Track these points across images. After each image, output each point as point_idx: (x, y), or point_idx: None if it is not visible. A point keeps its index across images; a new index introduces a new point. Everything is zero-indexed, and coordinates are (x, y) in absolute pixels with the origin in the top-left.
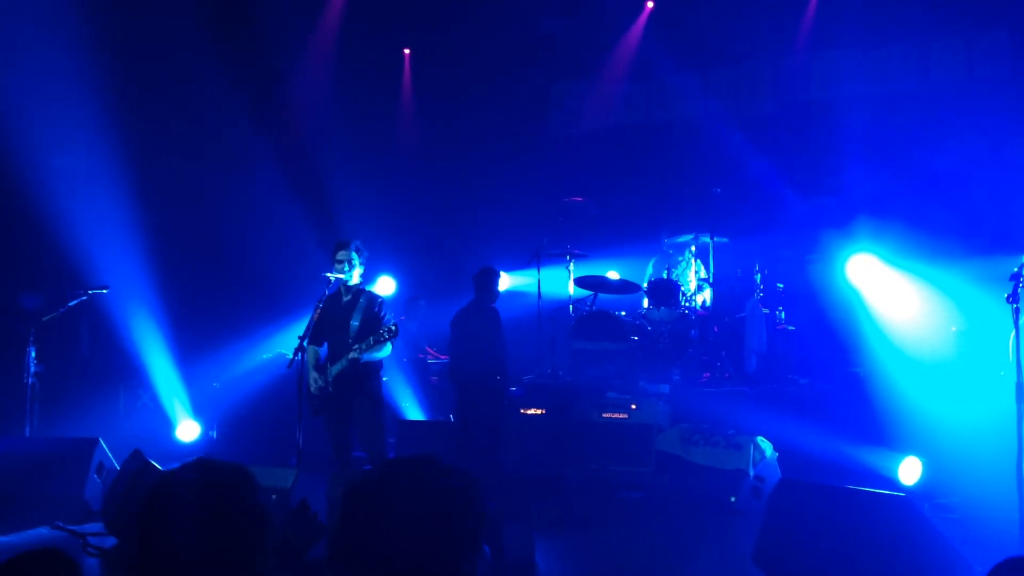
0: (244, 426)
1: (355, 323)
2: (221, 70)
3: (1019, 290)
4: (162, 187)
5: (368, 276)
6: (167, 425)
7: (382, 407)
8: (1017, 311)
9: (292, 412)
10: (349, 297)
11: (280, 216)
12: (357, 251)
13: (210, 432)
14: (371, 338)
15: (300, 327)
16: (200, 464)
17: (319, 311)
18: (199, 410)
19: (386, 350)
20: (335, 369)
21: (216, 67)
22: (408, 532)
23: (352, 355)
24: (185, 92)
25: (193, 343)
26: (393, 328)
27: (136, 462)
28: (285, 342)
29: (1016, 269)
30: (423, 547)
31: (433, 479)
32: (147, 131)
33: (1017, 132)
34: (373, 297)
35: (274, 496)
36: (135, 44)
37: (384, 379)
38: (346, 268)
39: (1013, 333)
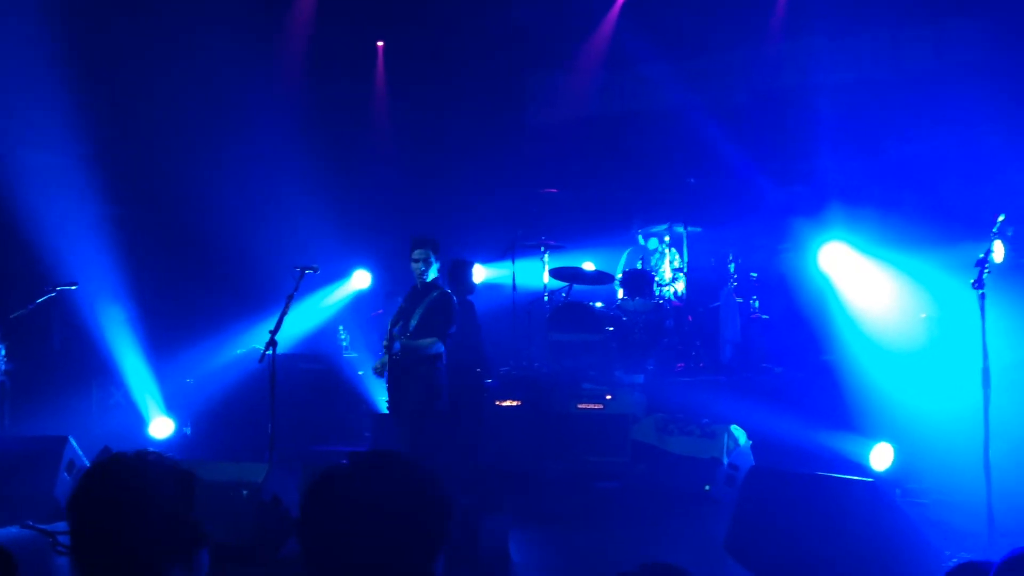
0: (218, 422)
1: (414, 320)
2: (190, 64)
3: (984, 276)
4: (131, 181)
5: (343, 270)
6: (140, 422)
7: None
8: (983, 297)
9: (265, 407)
10: (419, 291)
11: (252, 210)
12: (430, 247)
13: (184, 428)
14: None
15: (272, 322)
16: (116, 456)
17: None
18: (172, 406)
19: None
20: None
21: (185, 61)
22: (370, 527)
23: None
24: (154, 86)
25: (165, 339)
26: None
27: None
28: (258, 337)
29: (981, 255)
30: (385, 542)
31: (396, 474)
32: (115, 125)
33: (987, 118)
34: (438, 297)
35: (245, 492)
36: (103, 38)
37: (360, 373)
38: (421, 267)
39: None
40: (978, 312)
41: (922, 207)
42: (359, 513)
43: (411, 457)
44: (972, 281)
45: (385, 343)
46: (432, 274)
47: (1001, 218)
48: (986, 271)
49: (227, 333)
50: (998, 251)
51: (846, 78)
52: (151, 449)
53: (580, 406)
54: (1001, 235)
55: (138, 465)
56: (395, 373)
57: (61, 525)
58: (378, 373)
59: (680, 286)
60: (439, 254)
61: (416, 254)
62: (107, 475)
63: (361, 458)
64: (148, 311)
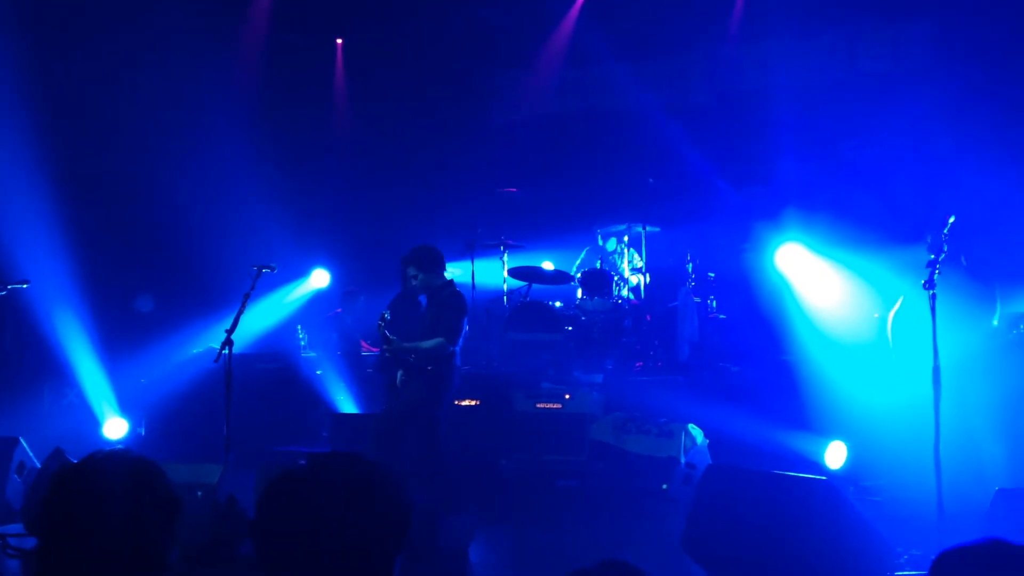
0: (173, 422)
1: (425, 320)
2: (146, 60)
3: (935, 277)
4: (85, 179)
5: (302, 269)
6: (94, 422)
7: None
8: (933, 297)
9: (221, 407)
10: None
11: (209, 209)
12: (415, 264)
13: (138, 429)
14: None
15: (229, 321)
16: (109, 455)
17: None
18: (126, 407)
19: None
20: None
21: (141, 57)
22: (326, 529)
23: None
24: (107, 81)
25: (119, 338)
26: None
27: (57, 461)
28: (214, 336)
29: (932, 256)
30: (341, 545)
31: (355, 476)
32: (68, 121)
33: (939, 121)
34: (446, 296)
35: (200, 493)
36: (52, 30)
37: (318, 372)
38: (413, 283)
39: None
40: (929, 311)
41: (875, 208)
42: (315, 515)
43: (371, 459)
44: (923, 282)
45: (386, 350)
46: (432, 282)
47: (952, 219)
48: (937, 272)
49: (183, 332)
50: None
51: (803, 80)
52: (149, 458)
53: (539, 405)
54: (950, 257)
55: (131, 475)
56: (404, 375)
57: (12, 527)
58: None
59: (639, 286)
60: (430, 261)
61: (408, 271)
62: (97, 477)
63: (319, 459)
64: (102, 310)
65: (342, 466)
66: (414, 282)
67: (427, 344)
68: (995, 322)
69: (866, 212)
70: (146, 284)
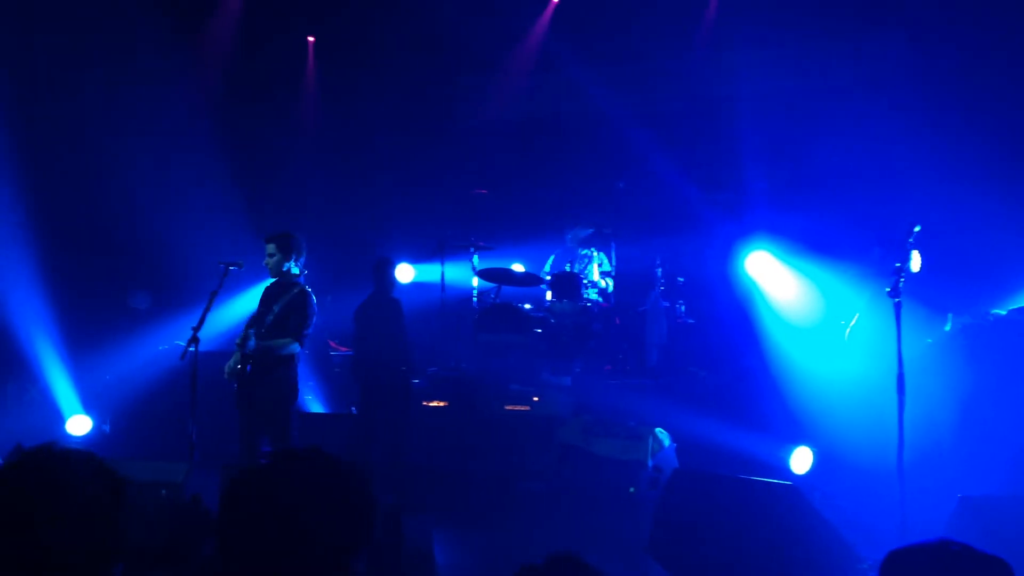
0: (138, 419)
1: (269, 316)
2: (110, 55)
3: (899, 285)
4: (47, 169)
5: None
6: (57, 420)
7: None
8: (898, 305)
9: (187, 405)
10: (275, 288)
11: (176, 204)
12: (276, 243)
13: (102, 426)
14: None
15: (195, 317)
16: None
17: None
18: (90, 403)
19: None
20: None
21: (104, 51)
22: (289, 525)
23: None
24: (69, 71)
25: (84, 334)
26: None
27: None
28: (180, 333)
29: (898, 264)
30: (305, 541)
31: (317, 472)
32: (29, 111)
33: (901, 131)
34: (296, 295)
35: (164, 491)
36: (9, 26)
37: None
38: (269, 262)
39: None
40: (879, 321)
41: (841, 217)
42: (278, 511)
43: (334, 455)
44: (888, 289)
45: (238, 341)
46: (289, 269)
47: (917, 228)
48: (901, 280)
49: (148, 328)
50: (915, 260)
51: (772, 87)
52: (77, 447)
53: (507, 407)
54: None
55: (60, 463)
56: (250, 372)
57: None
58: (230, 377)
59: (608, 289)
60: (295, 248)
61: (267, 249)
62: (24, 471)
63: (282, 456)
64: (65, 305)
65: (305, 462)
66: (268, 260)
67: (278, 343)
68: (947, 327)
69: (829, 221)
70: (112, 278)
